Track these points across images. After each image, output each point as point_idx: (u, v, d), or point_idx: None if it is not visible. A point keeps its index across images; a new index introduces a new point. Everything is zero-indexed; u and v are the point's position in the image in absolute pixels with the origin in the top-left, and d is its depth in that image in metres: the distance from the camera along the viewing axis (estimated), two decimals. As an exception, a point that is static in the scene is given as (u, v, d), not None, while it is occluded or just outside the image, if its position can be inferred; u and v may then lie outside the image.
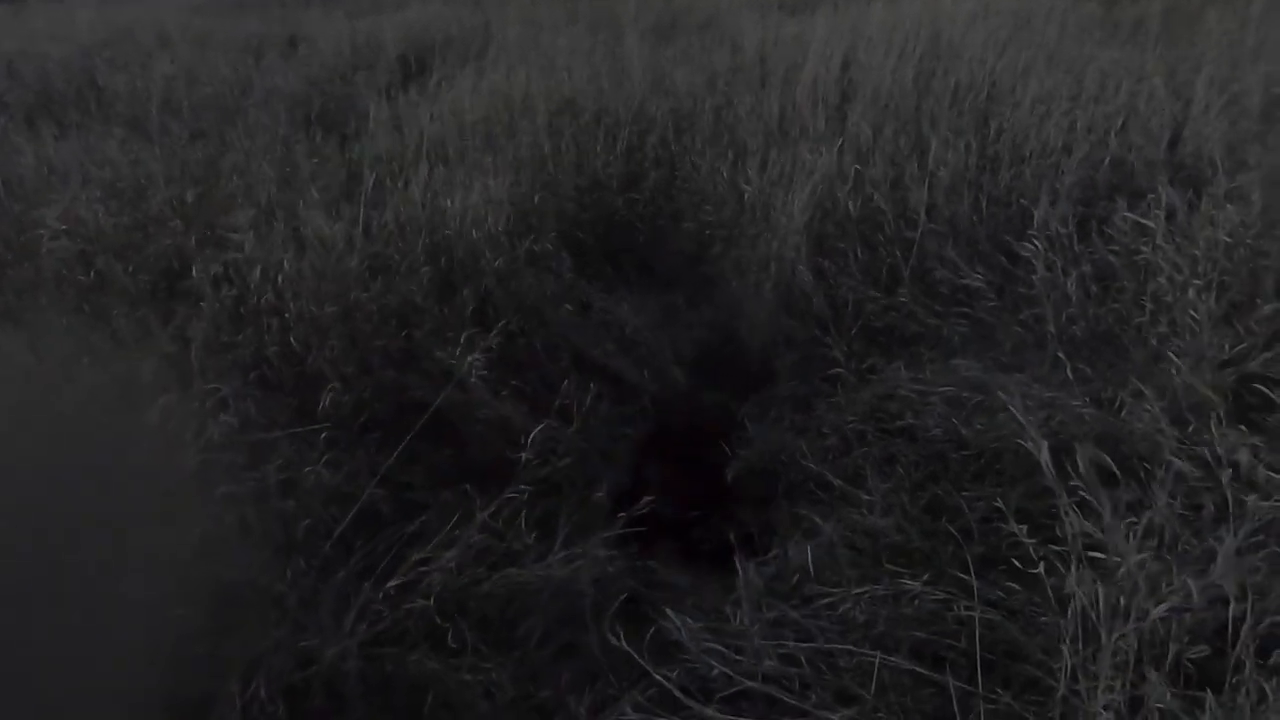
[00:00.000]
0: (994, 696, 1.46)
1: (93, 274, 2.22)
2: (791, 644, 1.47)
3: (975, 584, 1.55)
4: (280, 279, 2.03)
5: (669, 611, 1.51)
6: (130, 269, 2.23)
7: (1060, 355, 2.42)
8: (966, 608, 1.58)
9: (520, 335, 2.24)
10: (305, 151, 3.30)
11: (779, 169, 3.13)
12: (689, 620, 1.48)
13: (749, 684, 1.38)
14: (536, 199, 2.69)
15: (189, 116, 4.07)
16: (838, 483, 1.99)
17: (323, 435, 1.94)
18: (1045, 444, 1.63)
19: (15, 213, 2.54)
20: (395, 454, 1.90)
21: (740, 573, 1.67)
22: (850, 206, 2.83)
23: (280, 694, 1.54)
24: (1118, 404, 2.22)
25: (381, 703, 1.60)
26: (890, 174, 3.06)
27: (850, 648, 1.45)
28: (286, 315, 2.02)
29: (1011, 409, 1.80)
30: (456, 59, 4.71)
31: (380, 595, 1.65)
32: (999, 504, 1.79)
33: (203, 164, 3.20)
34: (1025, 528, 1.66)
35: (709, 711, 1.37)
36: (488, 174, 2.68)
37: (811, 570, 1.69)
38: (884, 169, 3.07)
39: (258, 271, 2.12)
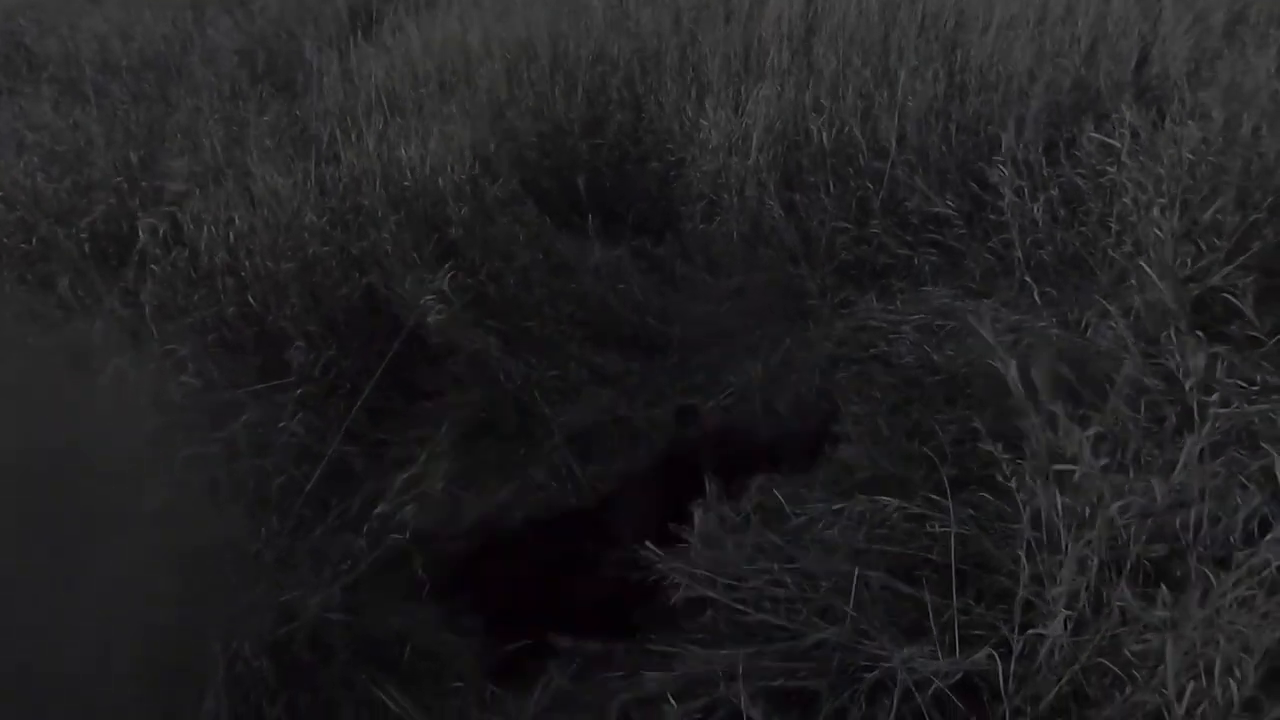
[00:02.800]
0: (967, 608, 1.51)
1: (35, 241, 2.12)
2: (776, 567, 1.49)
3: (950, 500, 1.58)
4: (233, 237, 1.96)
5: (650, 545, 1.53)
6: (74, 234, 2.13)
7: (1028, 279, 2.44)
8: (941, 525, 1.62)
9: (490, 281, 2.20)
10: (254, 109, 3.16)
11: (743, 105, 3.07)
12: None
13: (740, 609, 1.41)
14: (493, 146, 2.61)
15: (128, 77, 3.86)
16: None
17: (288, 393, 1.91)
18: (1013, 363, 1.65)
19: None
20: (357, 407, 1.87)
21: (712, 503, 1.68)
22: (823, 139, 2.78)
23: (264, 650, 1.54)
24: (1084, 324, 2.25)
25: (364, 654, 1.60)
26: (860, 105, 3.01)
27: (832, 566, 1.47)
28: (243, 274, 1.96)
29: (982, 332, 1.81)
30: (407, 7, 4.50)
31: (354, 548, 1.65)
32: (975, 424, 1.83)
33: (145, 125, 3.06)
34: (1000, 445, 1.70)
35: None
36: (445, 122, 2.58)
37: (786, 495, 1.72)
38: (853, 101, 3.02)
39: (207, 230, 2.04)
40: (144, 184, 2.36)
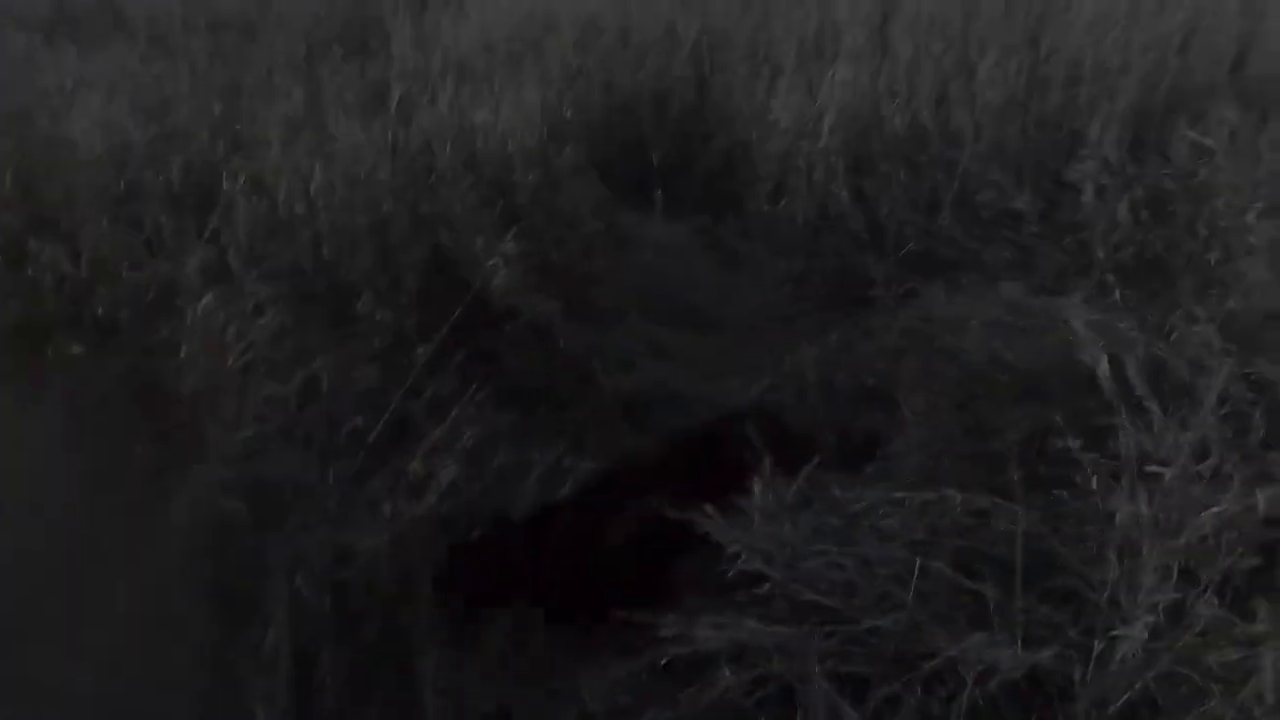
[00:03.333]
0: (1030, 606, 1.47)
1: (124, 184, 2.20)
2: (834, 549, 1.47)
3: (1019, 494, 1.54)
4: (312, 190, 2.00)
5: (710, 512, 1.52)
6: (161, 179, 2.21)
7: (1108, 279, 2.34)
8: (1007, 521, 1.58)
9: (554, 248, 2.21)
10: (328, 69, 3.22)
11: (814, 87, 3.01)
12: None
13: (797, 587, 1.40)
14: (568, 114, 2.61)
15: (208, 36, 3.98)
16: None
17: (357, 345, 1.95)
18: (1104, 357, 1.59)
19: (45, 126, 2.52)
20: (420, 364, 1.91)
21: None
22: (896, 124, 2.72)
23: (323, 588, 1.59)
24: (1168, 329, 2.16)
25: (410, 605, 1.63)
26: (935, 93, 2.93)
27: (891, 554, 1.45)
28: (318, 226, 2.00)
29: (1072, 324, 1.74)
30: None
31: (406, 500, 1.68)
32: (1048, 422, 1.77)
33: (225, 81, 3.15)
34: (1079, 443, 1.64)
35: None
36: (517, 89, 2.60)
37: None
38: (929, 89, 2.94)
39: (286, 182, 2.09)
40: (226, 135, 2.42)
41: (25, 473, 1.59)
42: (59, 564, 1.51)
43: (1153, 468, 1.44)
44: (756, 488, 1.63)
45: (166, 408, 1.74)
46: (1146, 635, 1.25)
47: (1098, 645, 1.28)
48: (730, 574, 1.46)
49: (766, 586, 1.47)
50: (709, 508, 1.61)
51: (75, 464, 1.66)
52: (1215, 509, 1.31)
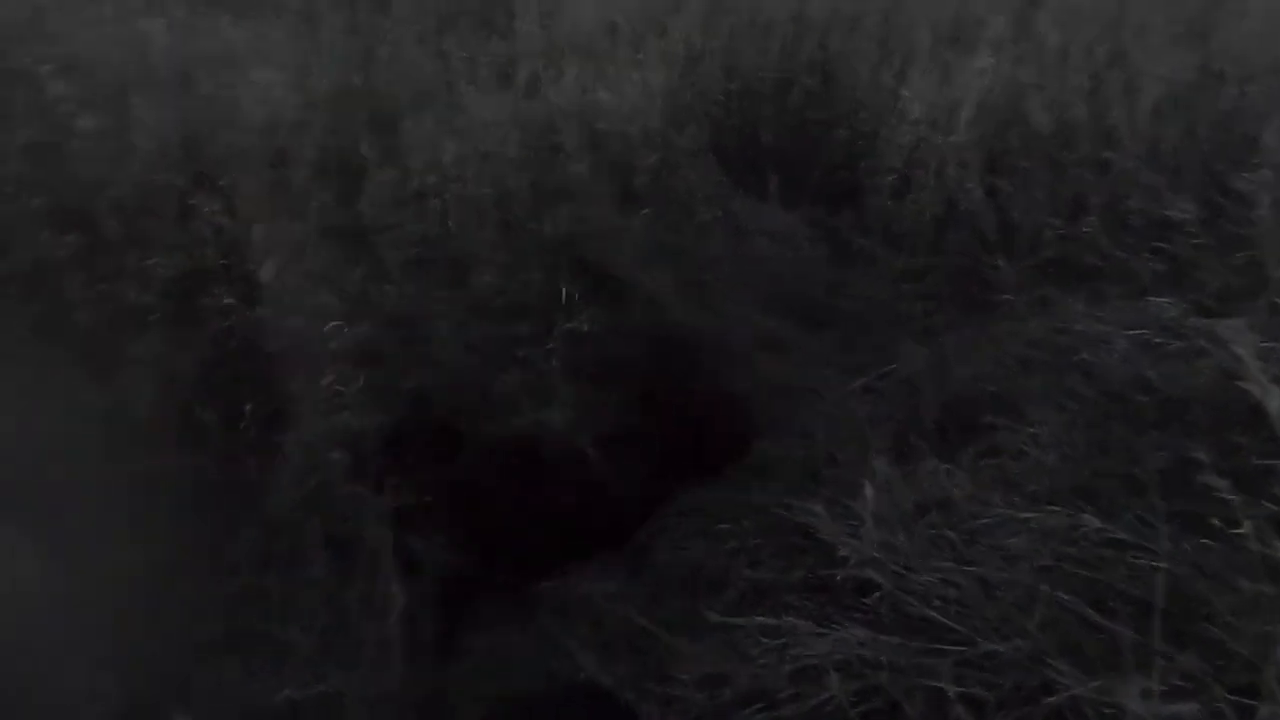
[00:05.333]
0: (1168, 653, 1.35)
1: (273, 149, 2.34)
2: (950, 565, 1.40)
3: (1164, 530, 1.41)
4: (444, 161, 2.07)
5: (819, 511, 1.48)
6: (307, 144, 2.33)
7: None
8: (1138, 555, 1.46)
9: (671, 231, 2.20)
10: (455, 44, 3.31)
11: (950, 76, 2.84)
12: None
13: (910, 601, 1.34)
14: (690, 96, 2.58)
15: (347, 9, 4.16)
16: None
17: (474, 315, 2.02)
18: (1276, 390, 1.43)
19: (204, 90, 2.71)
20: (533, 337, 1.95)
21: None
22: (1041, 120, 2.53)
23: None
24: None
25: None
26: (1086, 87, 2.70)
27: (1017, 576, 1.37)
28: (445, 197, 2.07)
29: (1235, 350, 1.58)
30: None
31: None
32: (1195, 455, 1.62)
33: (360, 52, 3.29)
34: (1226, 482, 1.49)
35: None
36: (641, 69, 2.58)
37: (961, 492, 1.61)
38: (1079, 82, 2.71)
39: (418, 153, 2.16)
40: (363, 105, 2.54)
41: (163, 420, 1.70)
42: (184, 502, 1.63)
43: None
44: (868, 491, 1.57)
45: (294, 361, 1.84)
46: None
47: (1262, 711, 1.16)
48: (839, 577, 1.42)
49: (875, 595, 1.42)
50: (818, 506, 1.57)
51: (209, 410, 1.78)
52: None
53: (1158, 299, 2.10)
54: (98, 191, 1.96)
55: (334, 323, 1.94)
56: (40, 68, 2.29)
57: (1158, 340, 1.99)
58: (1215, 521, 1.47)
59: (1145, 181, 2.46)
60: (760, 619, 1.44)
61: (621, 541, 1.68)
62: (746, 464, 1.78)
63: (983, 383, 2.04)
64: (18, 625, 1.12)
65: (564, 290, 1.92)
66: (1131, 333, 2.01)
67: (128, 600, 1.40)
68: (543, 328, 1.92)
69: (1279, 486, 1.46)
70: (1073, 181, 2.48)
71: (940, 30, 3.24)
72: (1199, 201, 2.42)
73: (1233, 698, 1.22)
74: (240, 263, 1.76)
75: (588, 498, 1.78)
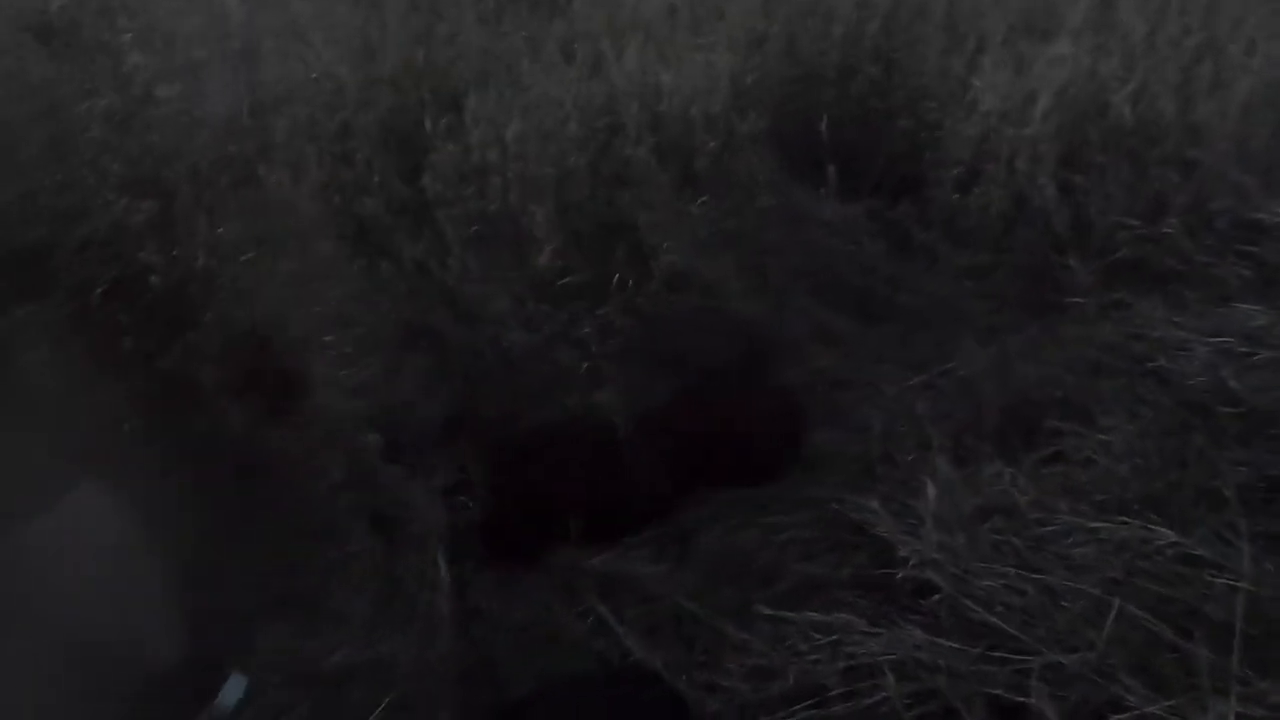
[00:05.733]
0: (1247, 679, 1.28)
1: (338, 122, 2.38)
2: (1013, 572, 1.35)
3: (1246, 549, 1.34)
4: (507, 138, 2.06)
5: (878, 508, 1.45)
6: (369, 119, 2.36)
7: (1381, 315, 1.97)
8: (1216, 574, 1.39)
9: (730, 216, 2.16)
10: (512, 23, 3.31)
11: (1025, 67, 2.72)
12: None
13: (970, 606, 1.30)
14: (750, 81, 2.52)
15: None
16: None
17: (528, 295, 2.02)
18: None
19: (272, 63, 2.76)
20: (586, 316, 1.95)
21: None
22: (1123, 114, 2.41)
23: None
24: None
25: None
26: (1175, 81, 2.56)
27: (1085, 587, 1.31)
28: (507, 175, 2.06)
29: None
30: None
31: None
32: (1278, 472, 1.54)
33: (422, 30, 3.31)
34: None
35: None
36: (705, 52, 2.53)
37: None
38: (1166, 75, 2.57)
39: (481, 130, 2.16)
40: (426, 82, 2.55)
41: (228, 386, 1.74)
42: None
43: None
44: (930, 490, 1.53)
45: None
46: None
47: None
48: (899, 577, 1.39)
49: (934, 598, 1.38)
50: (874, 503, 1.54)
51: (268, 378, 1.82)
52: None
53: (1244, 306, 1.99)
54: (172, 160, 2.02)
55: (392, 297, 1.97)
56: (120, 38, 2.36)
57: (1242, 349, 1.89)
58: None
59: (1233, 181, 2.33)
60: (812, 614, 1.41)
61: (668, 527, 1.67)
62: (800, 456, 1.74)
63: (1049, 386, 1.96)
64: (90, 579, 1.16)
65: (618, 274, 1.91)
66: (1213, 340, 1.91)
67: (194, 559, 1.44)
68: (599, 309, 1.91)
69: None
70: (1154, 180, 2.36)
71: (1015, 17, 3.11)
72: (1292, 204, 2.28)
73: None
74: (301, 233, 1.78)
75: (636, 481, 1.77)
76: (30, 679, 0.97)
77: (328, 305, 1.90)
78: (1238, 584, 1.34)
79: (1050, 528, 1.49)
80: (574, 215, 2.06)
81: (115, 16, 2.60)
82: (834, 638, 1.35)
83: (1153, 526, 1.43)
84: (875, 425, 1.87)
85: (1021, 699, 1.26)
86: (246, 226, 1.88)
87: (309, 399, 1.63)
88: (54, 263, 1.82)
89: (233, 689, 1.42)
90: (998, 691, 1.27)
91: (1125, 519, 1.47)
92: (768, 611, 1.42)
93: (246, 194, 2.04)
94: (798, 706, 1.29)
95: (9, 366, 1.58)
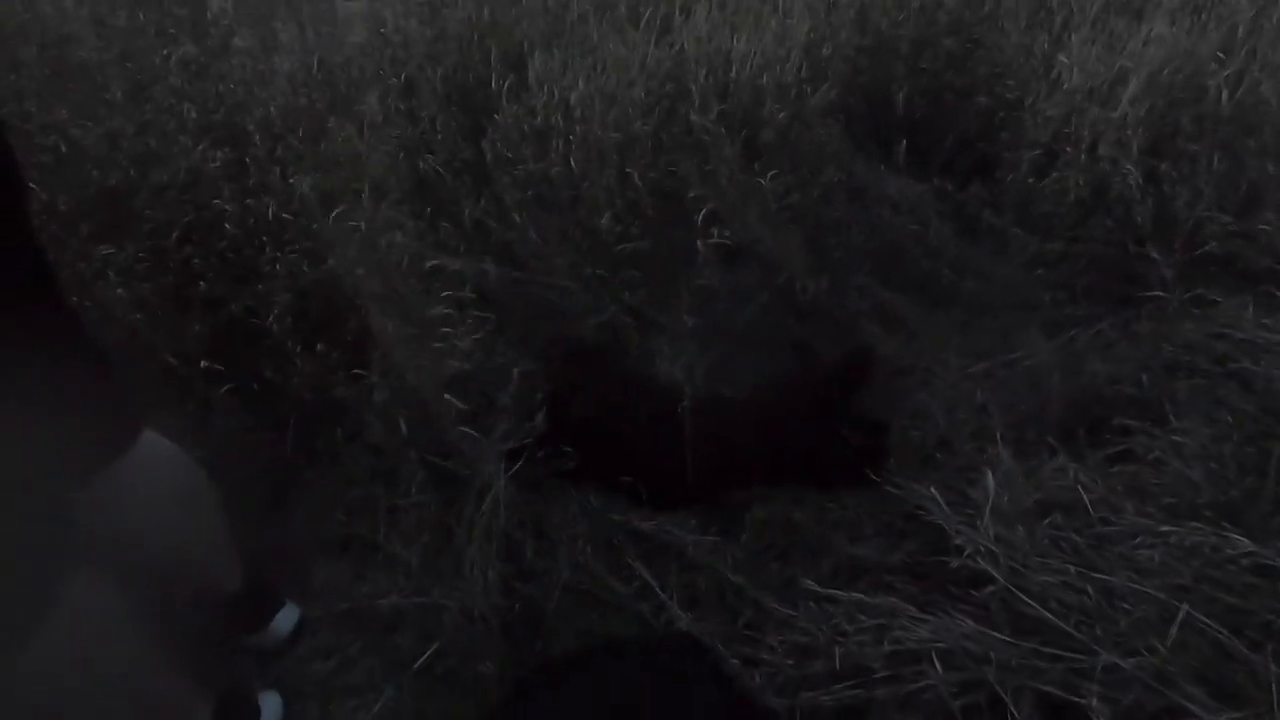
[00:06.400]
0: (1318, 694, 1.23)
1: (403, 78, 2.38)
2: (1073, 569, 1.32)
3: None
4: (572, 100, 2.04)
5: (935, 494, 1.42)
6: (432, 77, 2.36)
7: None
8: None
9: (795, 190, 2.11)
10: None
11: (1115, 45, 2.57)
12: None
13: (1025, 600, 1.27)
14: (825, 50, 2.44)
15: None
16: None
17: (584, 260, 2.01)
18: None
19: (344, 13, 2.77)
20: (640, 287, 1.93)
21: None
22: (1221, 99, 2.26)
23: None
24: None
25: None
26: (1278, 64, 2.38)
27: (1149, 590, 1.27)
28: (571, 138, 2.05)
29: None
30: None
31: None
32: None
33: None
34: None
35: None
36: (775, 16, 2.45)
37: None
38: (1274, 57, 2.39)
39: (547, 90, 2.14)
40: (491, 40, 2.53)
41: (291, 333, 1.79)
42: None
43: None
44: (989, 480, 1.49)
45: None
46: None
47: None
48: (953, 565, 1.36)
49: (988, 589, 1.36)
50: (931, 490, 1.51)
51: (332, 328, 1.86)
52: None
53: (1344, 310, 1.87)
54: (247, 110, 2.05)
55: (450, 257, 1.98)
56: (199, -12, 2.40)
57: (1337, 356, 1.78)
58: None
59: (1342, 176, 2.17)
60: (859, 595, 1.40)
61: (718, 499, 1.66)
62: (855, 437, 1.71)
63: (1120, 383, 1.88)
64: (164, 516, 1.21)
65: (677, 243, 1.88)
66: (1306, 344, 1.80)
67: (255, 497, 1.50)
68: (656, 277, 1.90)
69: None
70: (1250, 171, 2.21)
71: (1109, -8, 2.93)
72: (1406, 204, 2.12)
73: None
74: (368, 188, 1.80)
75: (688, 450, 1.77)
76: (113, 606, 1.03)
77: (393, 261, 1.92)
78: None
79: (1114, 528, 1.44)
80: (635, 182, 2.03)
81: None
82: (880, 621, 1.34)
83: (1226, 534, 1.37)
84: (935, 412, 1.83)
85: (1073, 698, 1.23)
86: (316, 179, 1.91)
87: (377, 352, 1.65)
88: (134, 205, 1.87)
89: (285, 619, 1.48)
90: (1049, 688, 1.24)
91: (1197, 524, 1.42)
92: (814, 588, 1.41)
93: (316, 146, 2.06)
94: (839, 685, 1.29)
95: (92, 305, 1.64)
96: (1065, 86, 2.49)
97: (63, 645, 0.95)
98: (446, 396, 1.64)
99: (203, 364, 1.57)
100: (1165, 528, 1.39)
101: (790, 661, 1.35)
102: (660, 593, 1.46)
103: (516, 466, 1.54)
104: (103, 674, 1.03)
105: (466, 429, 1.63)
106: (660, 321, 1.88)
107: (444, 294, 1.79)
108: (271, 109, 2.06)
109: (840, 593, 1.38)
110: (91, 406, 1.04)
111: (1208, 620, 1.28)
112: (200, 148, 1.89)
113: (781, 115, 2.15)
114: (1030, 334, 2.12)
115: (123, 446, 1.09)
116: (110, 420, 1.09)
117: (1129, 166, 2.27)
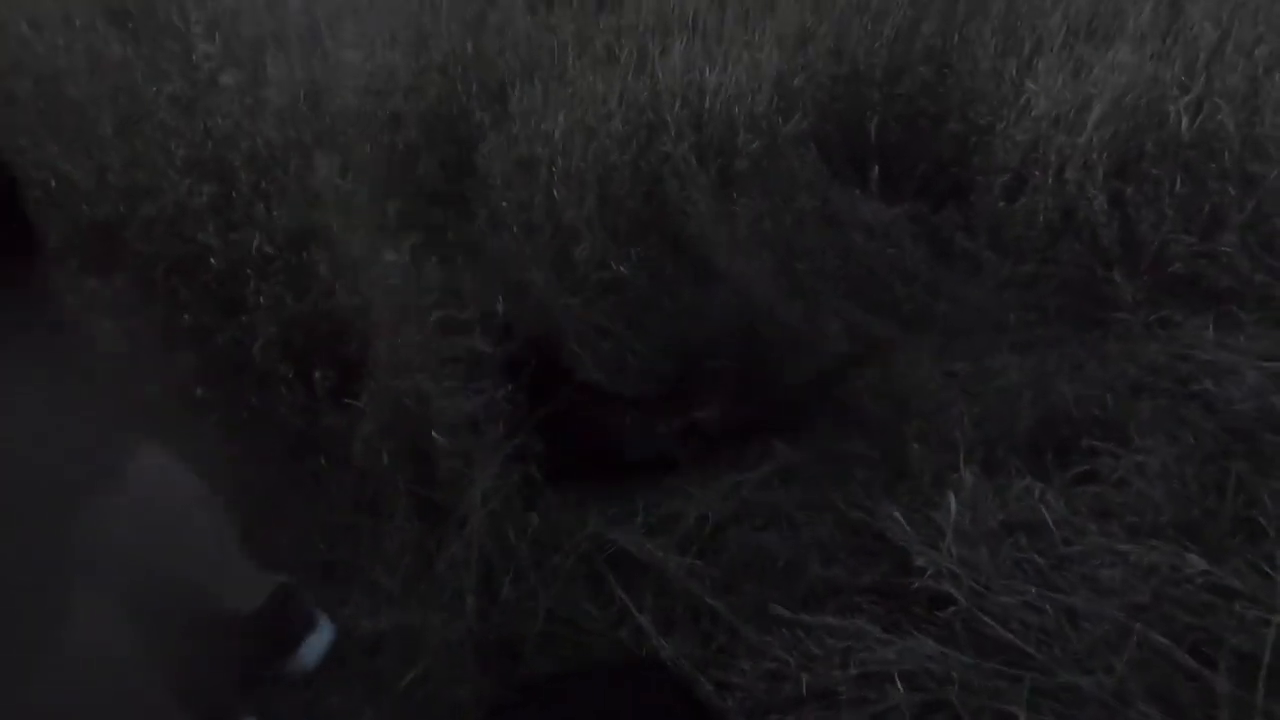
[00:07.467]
0: (1273, 712, 1.27)
1: (386, 112, 2.44)
2: (1034, 590, 1.35)
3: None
4: (554, 132, 2.10)
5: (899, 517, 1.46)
6: (417, 110, 2.42)
7: None
8: (1249, 606, 1.36)
9: (767, 217, 2.17)
10: (562, 15, 3.33)
11: (1081, 70, 2.65)
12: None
13: (985, 620, 1.31)
14: (796, 82, 2.51)
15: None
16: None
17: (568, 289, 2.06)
18: None
19: (331, 47, 2.83)
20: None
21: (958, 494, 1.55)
22: (1182, 125, 2.33)
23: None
24: None
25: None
26: (1242, 91, 2.46)
27: (1109, 610, 1.31)
28: (552, 168, 2.10)
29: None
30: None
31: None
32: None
33: (472, 20, 3.35)
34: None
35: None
36: (752, 50, 2.53)
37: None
38: (1233, 84, 2.47)
39: (528, 122, 2.20)
40: (475, 73, 2.60)
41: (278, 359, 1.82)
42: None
43: None
44: (951, 501, 1.53)
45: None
46: None
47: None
48: (914, 586, 1.40)
49: (950, 610, 1.39)
50: (897, 511, 1.55)
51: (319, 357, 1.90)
52: None
53: (1302, 331, 1.93)
54: (232, 145, 2.10)
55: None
56: (189, 24, 2.47)
57: (1295, 376, 1.83)
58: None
59: (1299, 199, 2.24)
60: (828, 619, 1.44)
61: (696, 527, 1.70)
62: (827, 459, 1.76)
63: (1087, 404, 1.93)
64: (155, 540, 1.24)
65: (653, 269, 1.93)
66: (1266, 364, 1.85)
67: (241, 519, 1.53)
68: (632, 304, 1.94)
69: None
70: (1212, 194, 2.28)
71: (1076, 20, 3.02)
72: (1363, 226, 2.19)
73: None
74: (352, 221, 1.85)
75: (661, 474, 1.81)
76: (109, 624, 1.05)
77: (378, 291, 1.97)
78: (1270, 617, 1.32)
79: (1077, 548, 1.48)
80: (613, 211, 2.09)
81: (185, 1, 2.70)
82: (848, 643, 1.37)
83: (1183, 553, 1.41)
84: (904, 433, 1.87)
85: (1035, 716, 1.26)
86: (301, 212, 1.96)
87: (363, 381, 1.69)
88: (122, 239, 1.92)
89: (318, 641, 1.44)
90: (1010, 708, 1.28)
91: (1156, 544, 1.46)
92: (785, 614, 1.44)
93: (301, 180, 2.12)
94: (807, 708, 1.32)
95: (80, 338, 1.68)
96: (1033, 113, 2.57)
97: (70, 673, 0.96)
98: (434, 434, 1.67)
99: (196, 392, 1.61)
100: (1124, 547, 1.43)
101: (762, 685, 1.38)
102: (638, 616, 1.49)
103: (497, 495, 1.57)
104: (107, 706, 1.03)
105: (450, 455, 1.67)
106: (631, 344, 1.92)
107: (430, 320, 1.83)
108: (258, 141, 2.11)
109: (809, 618, 1.42)
110: (91, 422, 1.05)
111: (1164, 639, 1.31)
112: (187, 182, 1.94)
113: (755, 145, 2.21)
114: (1001, 355, 2.17)
115: (122, 461, 1.09)
116: (109, 435, 1.09)
117: (1095, 190, 2.34)
